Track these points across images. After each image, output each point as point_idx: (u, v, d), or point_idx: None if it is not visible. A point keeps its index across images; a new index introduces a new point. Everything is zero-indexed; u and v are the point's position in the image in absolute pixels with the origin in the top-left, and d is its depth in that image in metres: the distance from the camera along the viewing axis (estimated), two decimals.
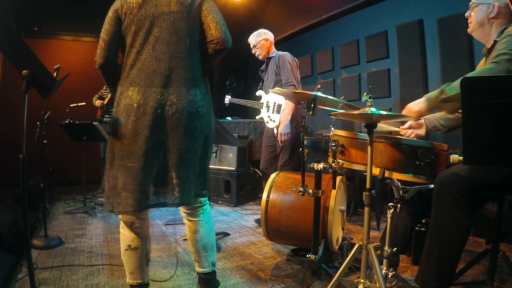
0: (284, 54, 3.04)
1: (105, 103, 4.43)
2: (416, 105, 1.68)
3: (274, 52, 3.17)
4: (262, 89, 3.26)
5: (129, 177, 1.41)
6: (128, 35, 1.46)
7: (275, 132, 3.00)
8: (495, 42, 1.60)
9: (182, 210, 1.65)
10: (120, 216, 1.52)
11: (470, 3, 1.71)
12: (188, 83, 1.47)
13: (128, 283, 1.54)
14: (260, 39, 3.13)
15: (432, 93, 1.61)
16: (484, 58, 1.76)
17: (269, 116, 3.06)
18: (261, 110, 3.15)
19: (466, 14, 1.74)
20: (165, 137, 1.44)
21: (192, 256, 1.72)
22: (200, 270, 1.67)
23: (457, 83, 1.50)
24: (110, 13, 1.47)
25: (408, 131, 1.89)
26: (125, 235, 1.52)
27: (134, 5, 1.45)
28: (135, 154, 1.41)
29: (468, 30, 1.75)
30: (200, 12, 1.50)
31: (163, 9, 1.46)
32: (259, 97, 3.24)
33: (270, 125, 3.05)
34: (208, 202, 1.69)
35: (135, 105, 1.41)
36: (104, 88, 4.51)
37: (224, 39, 1.49)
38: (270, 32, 3.21)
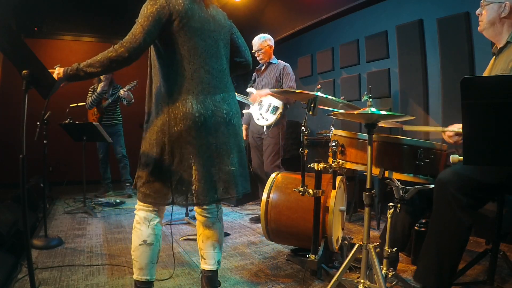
0: (287, 65, 3.28)
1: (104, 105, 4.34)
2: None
3: (274, 58, 3.35)
4: (253, 87, 3.38)
5: (199, 178, 1.48)
6: (174, 42, 1.46)
7: (264, 130, 3.19)
8: (508, 42, 1.59)
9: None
10: (138, 212, 1.56)
11: (482, 1, 1.68)
12: (230, 92, 1.65)
13: (136, 279, 1.54)
14: (265, 45, 3.29)
15: None
16: (494, 58, 1.75)
17: (261, 114, 3.21)
18: (251, 105, 3.31)
19: (477, 12, 1.71)
20: (225, 141, 1.56)
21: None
22: (206, 267, 1.69)
23: None
24: (156, 13, 1.39)
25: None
26: (141, 230, 1.53)
27: (182, 13, 1.44)
28: (201, 158, 1.48)
29: (479, 28, 1.72)
30: (230, 35, 1.69)
31: (206, 26, 1.53)
32: (248, 93, 3.38)
33: (261, 122, 3.21)
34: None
35: (197, 114, 1.46)
36: (91, 88, 4.38)
37: (250, 62, 1.81)
38: (272, 38, 3.37)
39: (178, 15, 1.43)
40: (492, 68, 1.72)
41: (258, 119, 3.21)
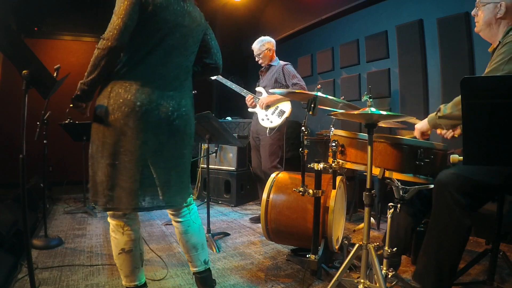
0: (286, 64, 3.26)
1: None
2: (420, 124, 1.76)
3: (276, 60, 3.35)
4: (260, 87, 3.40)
5: (124, 176, 1.40)
6: (143, 30, 1.41)
7: (267, 132, 3.18)
8: (499, 43, 1.59)
9: (169, 212, 1.66)
10: (110, 220, 1.52)
11: (477, 2, 1.66)
12: (187, 93, 1.58)
13: (125, 285, 1.53)
14: (264, 49, 3.29)
15: (433, 113, 1.71)
16: (491, 58, 1.75)
17: (266, 115, 3.21)
18: (257, 105, 3.30)
19: (473, 13, 1.70)
20: (165, 140, 1.47)
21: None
22: (194, 269, 1.68)
23: (451, 103, 1.60)
24: None
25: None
26: (117, 239, 1.50)
27: (157, 2, 1.40)
28: (133, 153, 1.40)
29: (475, 29, 1.71)
30: (203, 35, 1.65)
31: (179, 20, 1.49)
32: (256, 92, 3.39)
33: (265, 123, 3.20)
34: (194, 202, 1.71)
35: (138, 103, 1.39)
36: None
37: (220, 66, 1.77)
38: (273, 40, 3.36)
39: (152, 2, 1.39)
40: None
41: (263, 120, 3.21)
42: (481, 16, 1.65)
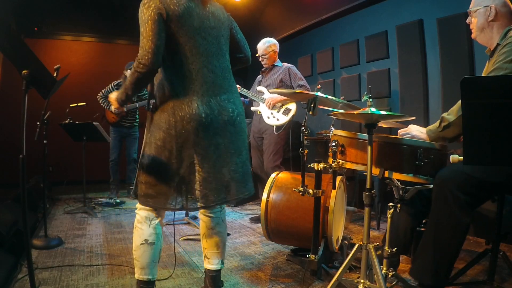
0: (292, 66, 3.31)
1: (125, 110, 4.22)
2: (419, 133, 1.75)
3: (278, 61, 3.38)
4: (261, 86, 3.39)
5: (209, 179, 1.48)
6: (174, 43, 1.43)
7: (274, 130, 3.19)
8: (498, 45, 1.60)
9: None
10: (139, 211, 1.55)
11: (468, 10, 1.71)
12: (234, 90, 1.64)
13: (137, 278, 1.54)
14: (270, 50, 3.30)
15: (434, 125, 1.70)
16: (488, 60, 1.76)
17: (272, 113, 3.20)
18: (260, 103, 3.30)
19: (467, 21, 1.74)
20: (233, 139, 1.56)
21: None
22: (209, 266, 1.69)
23: (454, 108, 1.62)
24: (153, 15, 1.37)
25: None
26: (143, 230, 1.53)
27: (179, 13, 1.41)
28: (210, 159, 1.48)
29: (472, 36, 1.74)
30: (229, 30, 1.67)
31: (206, 23, 1.51)
32: (257, 91, 3.38)
33: (271, 121, 3.20)
34: None
35: (203, 115, 1.45)
36: (113, 85, 4.25)
37: (250, 57, 1.79)
38: (277, 42, 3.39)
39: (174, 14, 1.40)
40: (486, 71, 1.75)
41: (269, 118, 3.21)
42: (474, 22, 1.69)
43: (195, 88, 1.46)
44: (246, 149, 1.65)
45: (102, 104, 4.29)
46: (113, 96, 1.59)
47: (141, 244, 1.52)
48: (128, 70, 4.18)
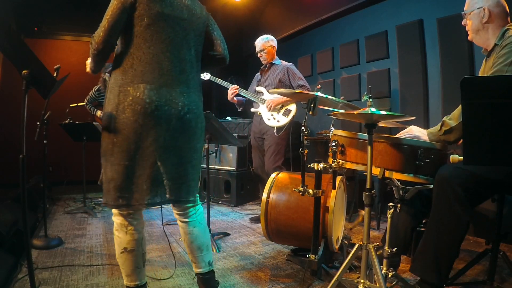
0: (290, 65, 3.29)
1: None
2: (421, 134, 1.76)
3: (277, 59, 3.36)
4: (261, 86, 3.37)
5: (137, 173, 1.42)
6: (138, 26, 1.41)
7: (275, 131, 3.17)
8: (496, 45, 1.61)
9: (175, 212, 1.65)
10: (114, 218, 1.51)
11: (463, 13, 1.73)
12: (194, 87, 1.57)
13: (126, 285, 1.53)
14: (268, 45, 3.30)
15: (434, 128, 1.71)
16: (485, 59, 1.77)
17: (272, 115, 3.19)
18: (260, 104, 3.27)
19: (463, 23, 1.75)
20: (177, 135, 1.49)
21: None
22: (198, 270, 1.67)
23: (455, 113, 1.63)
24: (119, 1, 1.38)
25: None
26: (120, 238, 1.49)
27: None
28: (144, 150, 1.42)
29: (469, 38, 1.76)
30: (205, 27, 1.63)
31: (177, 13, 1.49)
32: (256, 91, 3.37)
33: (271, 123, 3.18)
34: (200, 202, 1.71)
35: (147, 100, 1.40)
36: (94, 91, 4.25)
37: (226, 56, 1.73)
38: (275, 39, 3.38)
39: (143, 1, 1.40)
40: (483, 71, 1.75)
41: (269, 119, 3.20)
42: (469, 24, 1.71)
43: (147, 73, 1.42)
44: (193, 151, 1.56)
45: (89, 110, 4.27)
46: (87, 64, 1.59)
47: (121, 252, 1.49)
48: (106, 74, 4.19)
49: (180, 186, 1.53)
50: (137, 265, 1.51)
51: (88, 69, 1.59)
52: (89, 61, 1.54)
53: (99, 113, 4.18)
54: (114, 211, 1.49)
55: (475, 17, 1.66)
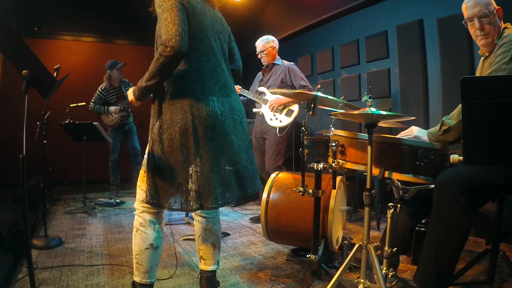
0: (292, 65, 3.28)
1: (122, 107, 4.22)
2: (421, 134, 1.76)
3: (279, 59, 3.35)
4: (263, 87, 3.36)
5: (227, 177, 1.49)
6: (192, 38, 1.40)
7: (277, 132, 3.17)
8: (495, 44, 1.61)
9: None
10: (142, 214, 1.50)
11: (478, 18, 1.65)
12: (236, 93, 1.65)
13: (139, 282, 1.51)
14: (268, 46, 3.28)
15: (434, 128, 1.71)
16: (482, 60, 1.77)
17: (274, 115, 3.18)
18: (262, 105, 3.27)
19: (478, 27, 1.68)
20: (240, 138, 1.57)
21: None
22: (205, 267, 1.68)
23: (454, 112, 1.63)
24: (177, 3, 1.33)
25: None
26: (147, 234, 1.50)
27: (198, 9, 1.43)
28: (225, 154, 1.49)
29: (484, 43, 1.70)
30: (228, 41, 1.68)
31: (216, 25, 1.54)
32: (258, 91, 3.36)
33: (274, 123, 3.18)
34: None
35: (219, 112, 1.46)
36: (101, 90, 4.22)
37: (241, 71, 1.80)
38: (276, 39, 3.36)
39: (194, 9, 1.41)
40: (480, 71, 1.75)
41: (271, 120, 3.19)
42: (488, 28, 1.64)
43: (211, 86, 1.47)
44: (252, 147, 1.69)
45: (98, 111, 4.24)
46: (130, 92, 1.49)
47: (146, 248, 1.49)
48: (108, 71, 4.17)
49: (251, 178, 1.61)
50: (157, 262, 1.54)
51: (134, 101, 1.50)
52: (140, 86, 1.42)
53: (113, 108, 4.17)
54: (143, 207, 1.50)
55: (495, 19, 1.62)
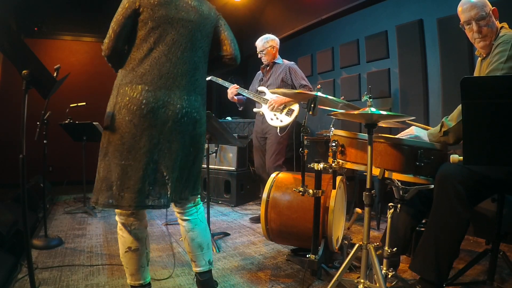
0: (292, 64, 3.27)
1: None
2: (422, 134, 1.76)
3: (279, 58, 3.34)
4: (263, 86, 3.35)
5: (129, 174, 1.41)
6: (142, 29, 1.45)
7: (278, 131, 3.16)
8: (492, 44, 1.61)
9: (176, 210, 1.66)
10: (117, 218, 1.52)
11: (475, 21, 1.65)
12: (196, 91, 1.56)
13: (129, 284, 1.53)
14: (267, 46, 3.27)
15: (435, 129, 1.72)
16: (480, 60, 1.77)
17: (275, 114, 3.17)
18: (262, 104, 3.26)
19: (475, 31, 1.69)
20: (173, 139, 1.47)
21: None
22: (197, 269, 1.66)
23: (454, 113, 1.63)
24: (126, 4, 1.44)
25: None
26: (124, 237, 1.50)
27: (155, 1, 1.44)
28: (137, 151, 1.41)
29: (482, 45, 1.71)
30: (215, 28, 1.64)
31: (183, 15, 1.50)
32: (258, 91, 3.34)
33: (274, 123, 3.17)
34: (201, 202, 1.71)
35: (144, 101, 1.41)
36: None
37: (237, 56, 1.70)
38: (276, 38, 3.35)
39: (149, 3, 1.43)
40: (478, 72, 1.75)
41: (272, 119, 3.18)
42: (486, 30, 1.64)
43: (146, 75, 1.43)
44: (188, 154, 1.54)
45: None
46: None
47: (125, 252, 1.49)
48: None
49: (174, 188, 1.51)
50: (141, 264, 1.51)
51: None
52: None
53: None
54: (117, 210, 1.50)
55: (492, 20, 1.63)
